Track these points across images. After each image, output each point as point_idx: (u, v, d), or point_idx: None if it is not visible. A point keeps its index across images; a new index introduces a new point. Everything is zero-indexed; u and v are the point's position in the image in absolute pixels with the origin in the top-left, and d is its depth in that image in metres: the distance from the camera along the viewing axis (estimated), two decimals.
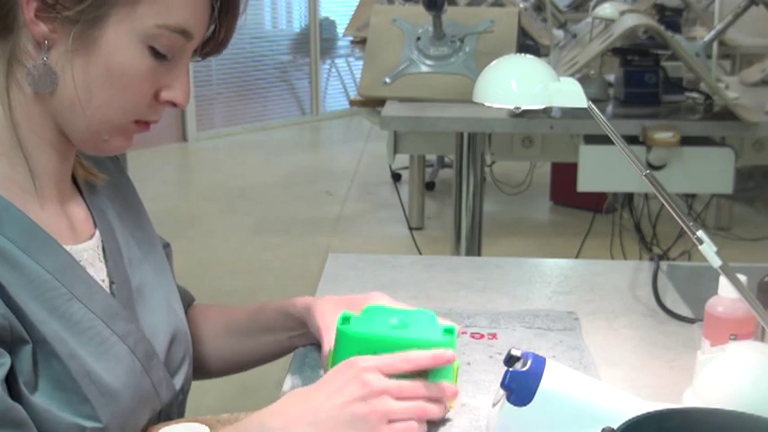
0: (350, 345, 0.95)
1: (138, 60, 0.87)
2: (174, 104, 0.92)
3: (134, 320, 0.96)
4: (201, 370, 1.17)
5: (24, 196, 0.89)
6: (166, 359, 1.00)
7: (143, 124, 0.92)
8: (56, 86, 0.86)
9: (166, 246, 1.15)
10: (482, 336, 1.20)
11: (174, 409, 1.02)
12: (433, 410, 0.91)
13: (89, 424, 0.86)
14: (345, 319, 0.98)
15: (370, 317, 0.99)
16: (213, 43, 0.94)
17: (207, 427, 0.95)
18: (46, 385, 0.84)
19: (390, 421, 0.87)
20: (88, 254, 0.94)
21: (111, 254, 0.98)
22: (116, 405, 0.89)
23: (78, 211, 0.98)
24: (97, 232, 0.98)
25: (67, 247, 0.91)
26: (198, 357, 1.15)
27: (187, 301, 1.20)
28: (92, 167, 1.02)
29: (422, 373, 0.94)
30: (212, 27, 0.93)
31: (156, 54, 0.87)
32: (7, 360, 0.81)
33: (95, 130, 0.90)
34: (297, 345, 1.15)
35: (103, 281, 0.95)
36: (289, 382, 1.07)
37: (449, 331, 0.97)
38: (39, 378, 0.84)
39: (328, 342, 1.01)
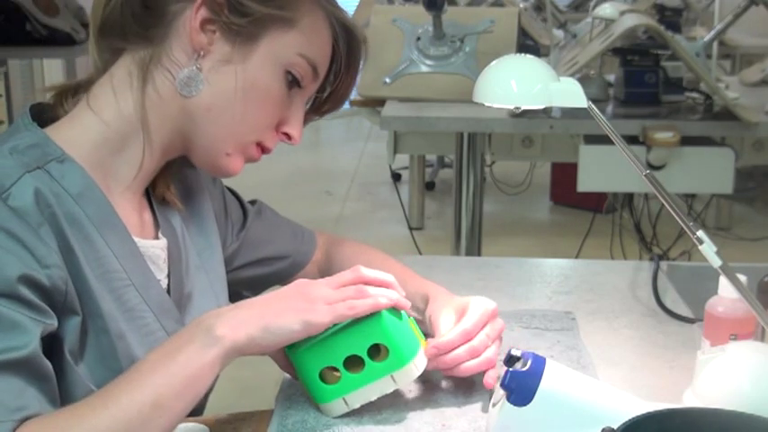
0: (306, 361, 0.95)
1: (276, 82, 0.95)
2: (288, 137, 0.98)
3: (182, 322, 0.98)
4: None
5: (108, 183, 0.94)
6: None
7: (259, 150, 0.98)
8: (199, 92, 0.92)
9: (253, 202, 1.24)
10: None
11: None
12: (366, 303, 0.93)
13: None
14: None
15: None
16: (333, 98, 1.03)
17: (207, 428, 0.95)
18: (91, 358, 0.88)
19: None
20: (153, 251, 0.98)
21: (172, 260, 1.01)
22: None
23: (144, 212, 1.01)
24: (163, 237, 1.01)
25: (135, 239, 0.95)
26: None
27: (311, 247, 1.26)
28: (177, 196, 1.05)
29: (381, 349, 0.94)
30: (327, 84, 1.02)
31: (290, 82, 0.95)
32: (54, 321, 0.84)
33: (222, 140, 0.95)
34: None
35: (160, 281, 0.98)
36: (288, 382, 1.06)
37: (395, 313, 0.97)
38: (86, 350, 0.88)
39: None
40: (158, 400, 0.81)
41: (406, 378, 0.96)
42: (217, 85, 0.93)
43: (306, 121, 1.02)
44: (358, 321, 0.94)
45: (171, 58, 0.93)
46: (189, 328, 0.87)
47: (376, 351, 0.95)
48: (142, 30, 0.92)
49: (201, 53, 0.92)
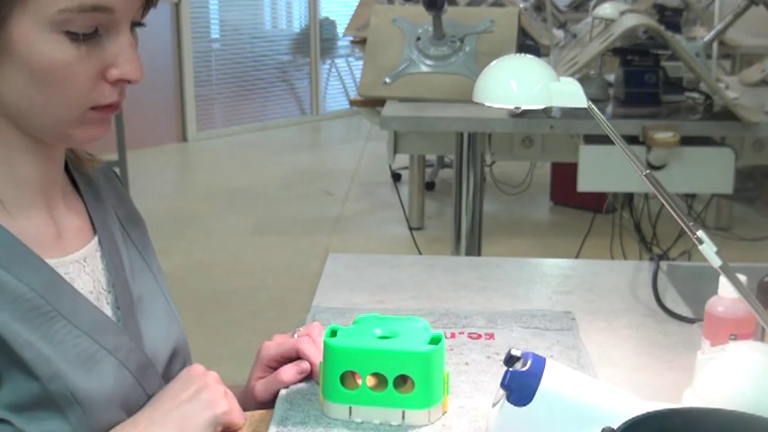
0: (336, 357, 0.95)
1: (58, 52, 0.81)
2: (128, 81, 0.86)
3: (125, 332, 0.94)
4: None
5: (5, 209, 0.87)
6: (166, 369, 0.99)
7: (104, 109, 0.87)
8: None
9: None
10: (479, 336, 1.19)
11: None
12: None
13: None
14: (333, 332, 0.98)
15: (358, 328, 1.00)
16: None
17: None
18: (6, 405, 0.83)
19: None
20: (78, 265, 0.92)
21: (111, 262, 0.96)
22: (103, 420, 0.87)
23: (73, 218, 0.96)
24: (95, 239, 0.96)
25: (54, 260, 0.89)
26: None
27: None
28: (91, 154, 1.01)
29: (407, 381, 0.94)
30: None
31: (77, 39, 0.81)
32: None
33: (53, 128, 0.86)
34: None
35: (101, 291, 0.94)
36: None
37: (436, 340, 0.97)
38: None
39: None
40: None
41: (415, 421, 0.95)
42: (4, 86, 0.83)
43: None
44: (403, 346, 0.95)
45: None
46: None
47: (402, 381, 0.95)
48: None
49: None
